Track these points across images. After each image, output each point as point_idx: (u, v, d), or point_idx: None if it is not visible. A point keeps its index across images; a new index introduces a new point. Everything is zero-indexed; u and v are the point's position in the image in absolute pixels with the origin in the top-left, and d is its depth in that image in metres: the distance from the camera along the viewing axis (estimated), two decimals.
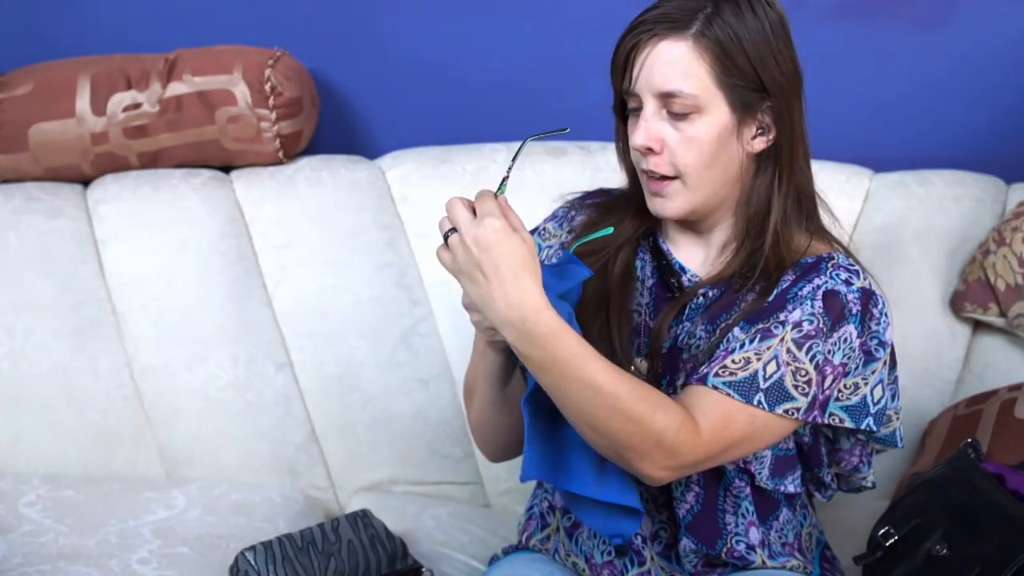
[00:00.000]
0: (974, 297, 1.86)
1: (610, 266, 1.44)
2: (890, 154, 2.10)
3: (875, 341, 1.35)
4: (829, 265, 1.36)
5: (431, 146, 2.13)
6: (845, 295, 1.33)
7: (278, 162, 2.11)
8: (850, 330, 1.32)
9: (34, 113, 2.07)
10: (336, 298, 2.01)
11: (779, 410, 1.30)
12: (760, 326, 1.32)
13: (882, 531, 1.43)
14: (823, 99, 2.10)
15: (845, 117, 2.11)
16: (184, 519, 1.82)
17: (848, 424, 1.35)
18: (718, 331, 1.37)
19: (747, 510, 1.41)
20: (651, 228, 1.46)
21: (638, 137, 1.32)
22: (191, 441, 1.99)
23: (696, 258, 1.43)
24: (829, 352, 1.31)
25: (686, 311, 1.41)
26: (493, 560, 1.58)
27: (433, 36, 2.19)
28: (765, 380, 1.29)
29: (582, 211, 1.50)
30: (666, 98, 1.31)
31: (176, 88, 2.05)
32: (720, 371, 1.30)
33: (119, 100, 2.06)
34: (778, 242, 1.36)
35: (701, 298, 1.41)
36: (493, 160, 2.06)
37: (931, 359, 1.89)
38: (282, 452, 1.99)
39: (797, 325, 1.31)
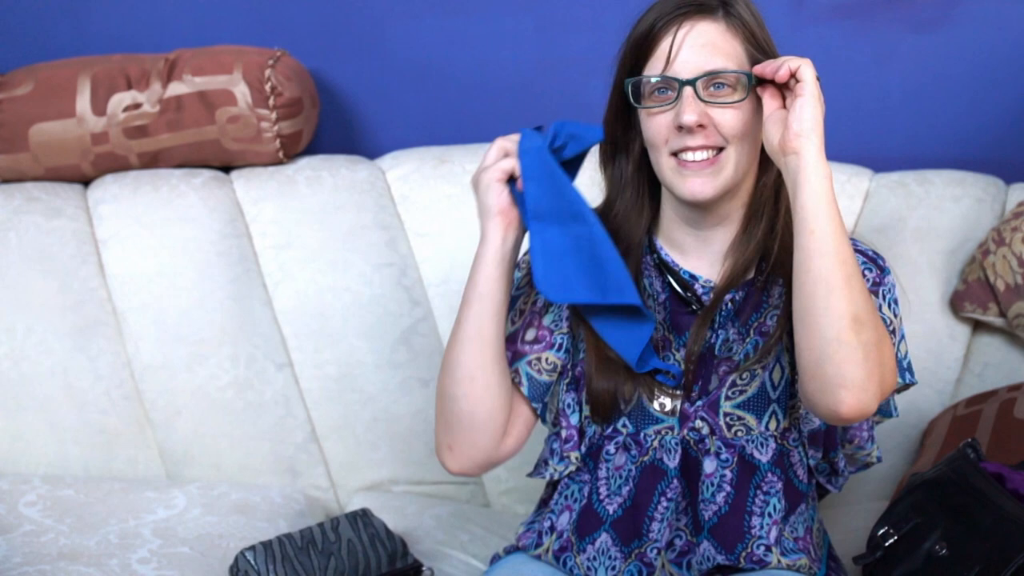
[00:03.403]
0: (974, 297, 1.86)
1: None
2: (890, 154, 2.10)
3: (890, 298, 1.42)
4: None
5: (431, 146, 2.13)
6: (867, 252, 1.41)
7: (278, 162, 2.11)
8: (891, 280, 1.41)
9: (34, 113, 2.07)
10: (336, 298, 2.01)
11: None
12: None
13: (881, 531, 1.43)
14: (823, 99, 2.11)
15: (845, 117, 2.10)
16: (184, 519, 1.82)
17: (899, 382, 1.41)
18: (751, 331, 1.40)
19: (775, 508, 1.42)
20: (642, 236, 1.46)
21: (688, 116, 1.32)
22: (191, 441, 2.00)
23: (703, 261, 1.44)
24: (892, 294, 1.41)
25: (716, 320, 1.42)
26: (495, 559, 1.57)
27: (433, 36, 2.19)
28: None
29: None
30: (709, 76, 1.33)
31: (176, 88, 2.05)
32: None
33: (119, 100, 2.06)
34: (787, 230, 1.38)
35: (729, 304, 1.41)
36: None
37: (931, 359, 1.89)
38: (282, 452, 1.99)
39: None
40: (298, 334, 2.01)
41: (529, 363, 1.45)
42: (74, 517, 1.81)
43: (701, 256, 1.44)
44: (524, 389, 1.45)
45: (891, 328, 1.38)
